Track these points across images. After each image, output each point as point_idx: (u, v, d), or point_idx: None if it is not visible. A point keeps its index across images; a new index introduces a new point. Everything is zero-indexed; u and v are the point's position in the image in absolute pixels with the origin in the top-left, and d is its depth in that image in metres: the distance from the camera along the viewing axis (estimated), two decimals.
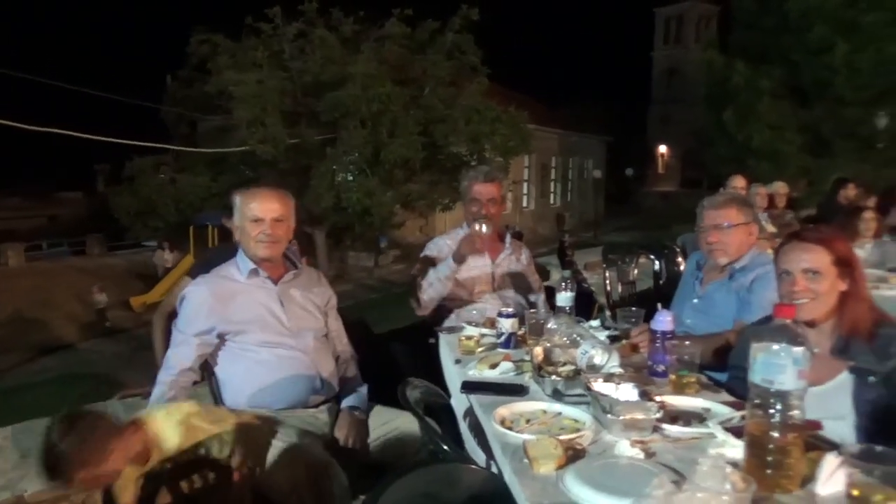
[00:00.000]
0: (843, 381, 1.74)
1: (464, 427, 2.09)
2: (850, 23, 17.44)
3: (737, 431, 1.45)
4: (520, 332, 2.41)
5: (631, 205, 41.48)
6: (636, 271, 4.51)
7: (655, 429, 1.53)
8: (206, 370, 2.32)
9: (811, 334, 1.81)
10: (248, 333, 2.23)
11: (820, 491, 1.21)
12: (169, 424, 1.37)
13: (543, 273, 3.74)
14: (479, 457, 1.88)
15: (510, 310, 2.41)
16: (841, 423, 1.69)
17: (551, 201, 34.85)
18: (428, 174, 19.27)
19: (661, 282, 4.25)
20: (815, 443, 1.44)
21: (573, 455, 1.42)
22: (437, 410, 2.20)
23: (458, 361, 2.28)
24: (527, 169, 31.39)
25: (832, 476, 1.20)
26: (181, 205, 19.14)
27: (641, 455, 1.42)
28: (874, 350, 1.73)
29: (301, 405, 2.24)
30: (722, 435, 1.48)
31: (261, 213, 2.26)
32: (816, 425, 1.58)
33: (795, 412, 1.26)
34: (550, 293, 3.13)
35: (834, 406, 1.71)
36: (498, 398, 1.82)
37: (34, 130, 10.93)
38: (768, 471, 1.26)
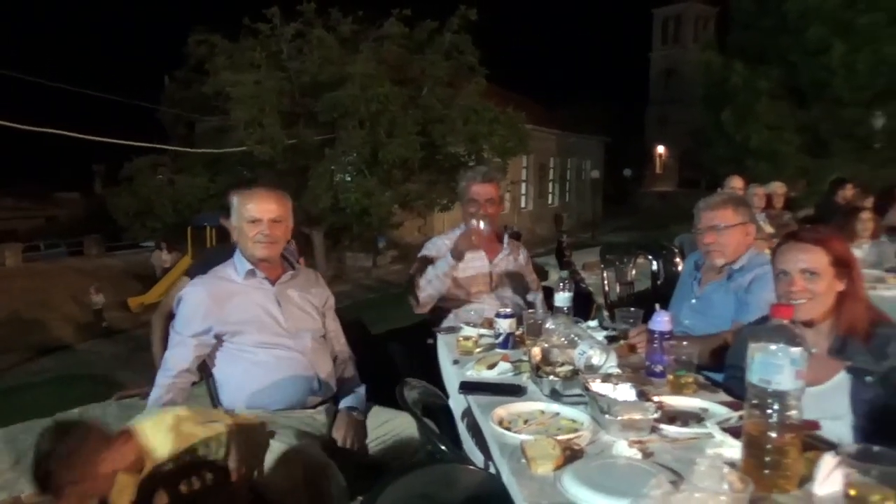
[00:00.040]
0: (841, 381, 1.74)
1: (462, 427, 2.09)
2: (847, 24, 17.47)
3: (734, 431, 1.45)
4: (518, 333, 2.41)
5: (629, 205, 41.52)
6: (634, 272, 4.52)
7: (653, 429, 1.53)
8: (203, 371, 2.32)
9: (809, 334, 1.81)
10: (245, 334, 2.23)
11: (817, 491, 1.21)
12: (159, 432, 1.37)
13: (541, 273, 3.75)
14: (478, 457, 1.88)
15: (508, 310, 2.41)
16: (838, 423, 1.69)
17: (549, 202, 34.88)
18: (426, 174, 19.28)
19: (658, 282, 4.25)
20: (813, 443, 1.44)
21: (571, 455, 1.42)
22: (435, 411, 2.20)
23: (456, 362, 2.28)
24: (525, 169, 31.41)
25: (829, 476, 1.20)
26: (179, 205, 19.13)
27: (639, 455, 1.41)
28: (871, 350, 1.73)
29: (299, 406, 2.23)
30: (720, 435, 1.48)
31: (258, 213, 2.26)
32: (814, 425, 1.58)
33: (793, 412, 1.26)
34: (548, 293, 3.13)
35: (831, 406, 1.71)
36: (496, 398, 1.82)
37: (32, 131, 10.91)
38: (766, 471, 1.26)
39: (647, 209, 38.60)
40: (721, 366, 2.12)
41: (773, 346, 1.28)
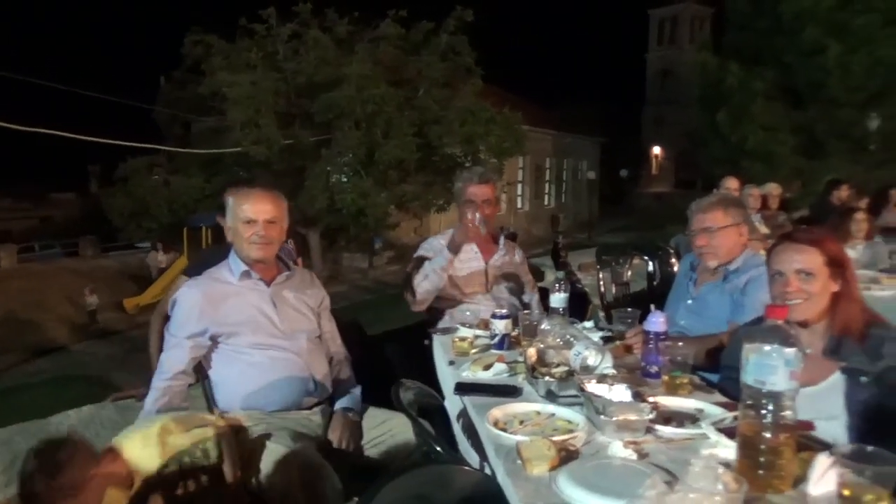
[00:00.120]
0: (836, 381, 1.74)
1: (457, 428, 2.09)
2: (842, 25, 17.52)
3: (729, 432, 1.45)
4: (513, 334, 2.41)
5: (625, 206, 41.58)
6: (630, 272, 4.51)
7: (648, 430, 1.54)
8: (199, 372, 2.32)
9: (803, 335, 1.81)
10: (240, 335, 2.23)
11: (811, 491, 1.21)
12: (146, 447, 1.36)
13: (537, 274, 3.75)
14: (473, 458, 1.88)
15: (504, 311, 2.42)
16: (833, 424, 1.69)
17: (545, 202, 34.94)
18: (422, 175, 19.29)
19: (654, 283, 4.25)
20: (807, 443, 1.44)
21: (566, 456, 1.42)
22: (431, 412, 2.20)
23: (451, 363, 2.28)
24: (521, 170, 31.45)
25: (824, 476, 1.20)
26: (175, 206, 19.11)
27: (634, 456, 1.42)
28: (866, 350, 1.73)
29: (294, 407, 2.23)
30: (714, 436, 1.49)
31: (253, 214, 2.25)
32: (808, 426, 1.59)
33: (787, 413, 1.26)
34: (544, 294, 3.14)
35: (826, 406, 1.71)
36: (491, 399, 1.82)
37: (27, 131, 10.88)
38: (760, 471, 1.26)
39: (644, 210, 38.64)
40: (716, 366, 2.12)
41: (767, 347, 1.28)
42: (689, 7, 46.53)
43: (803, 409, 1.35)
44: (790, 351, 1.27)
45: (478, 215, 2.87)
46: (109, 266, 22.81)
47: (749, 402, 1.29)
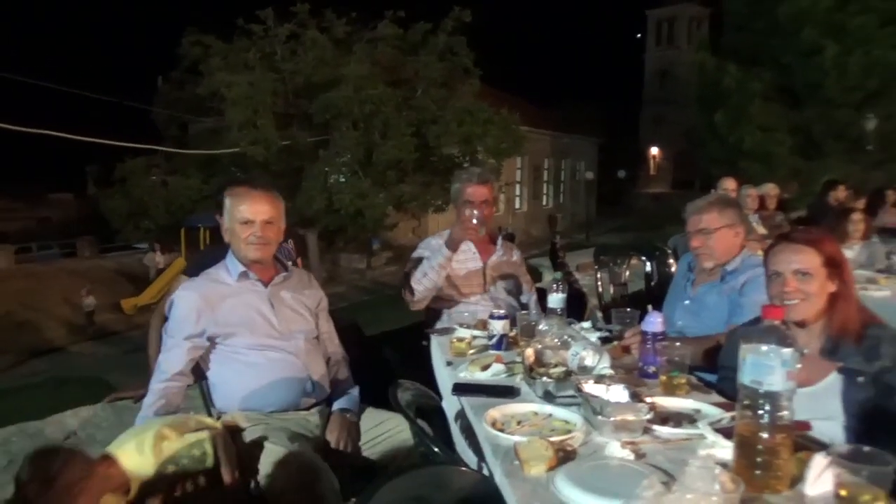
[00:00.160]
0: (833, 381, 1.75)
1: (455, 429, 2.09)
2: (839, 26, 17.57)
3: (726, 432, 1.45)
4: (511, 334, 2.41)
5: (623, 206, 41.60)
6: (628, 273, 4.52)
7: (646, 430, 1.54)
8: (197, 373, 2.31)
9: (801, 335, 1.82)
10: (237, 336, 2.22)
11: (808, 491, 1.22)
12: (141, 453, 1.36)
13: (535, 274, 3.75)
14: (471, 459, 1.88)
15: (501, 311, 2.42)
16: (830, 424, 1.70)
17: (543, 203, 34.95)
18: (420, 175, 19.28)
19: (652, 283, 4.26)
20: (804, 443, 1.45)
21: (564, 457, 1.42)
22: (429, 412, 2.20)
23: (449, 363, 2.28)
24: (519, 170, 31.45)
25: (820, 476, 1.21)
26: (172, 207, 19.08)
27: (632, 456, 1.42)
28: (863, 351, 1.74)
29: (292, 408, 2.23)
30: (712, 436, 1.49)
31: (251, 215, 2.25)
32: (805, 426, 1.59)
33: (784, 413, 1.26)
34: (542, 295, 3.14)
35: (824, 407, 1.71)
36: (489, 400, 1.82)
37: (24, 131, 10.86)
38: (757, 471, 1.26)
39: (641, 210, 38.69)
40: (714, 367, 2.13)
41: (764, 348, 1.28)
42: (686, 7, 46.57)
43: (800, 409, 1.35)
44: (787, 351, 1.27)
45: (475, 212, 2.88)
46: (107, 267, 22.79)
47: (746, 402, 1.30)
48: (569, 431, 1.56)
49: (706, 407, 1.70)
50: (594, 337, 2.31)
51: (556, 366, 1.94)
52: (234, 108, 16.87)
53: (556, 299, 2.47)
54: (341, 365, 2.48)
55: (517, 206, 32.16)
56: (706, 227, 2.53)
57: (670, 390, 1.85)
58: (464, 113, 18.60)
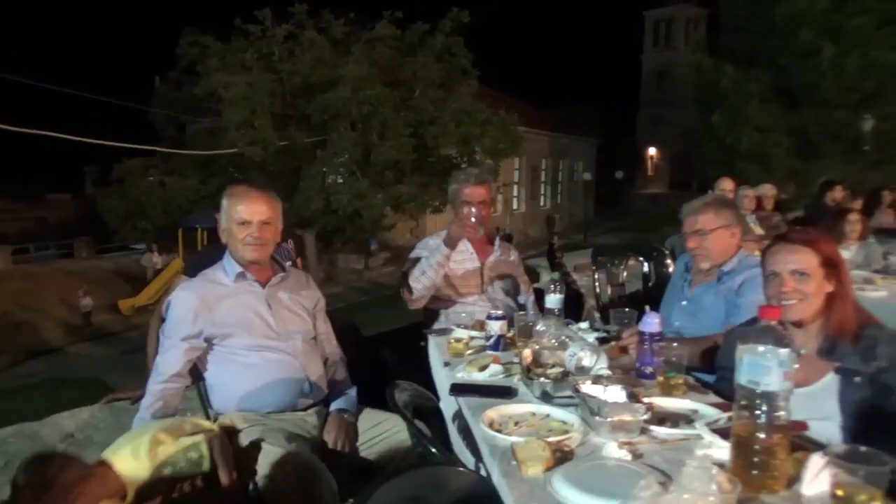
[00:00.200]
0: (830, 381, 1.75)
1: (452, 430, 2.09)
2: (836, 27, 17.60)
3: (723, 433, 1.45)
4: (509, 335, 2.41)
5: (620, 207, 41.67)
6: (625, 273, 4.52)
7: (643, 430, 1.54)
8: (194, 374, 2.31)
9: (798, 335, 1.82)
10: (235, 337, 2.22)
11: (805, 491, 1.22)
12: (136, 458, 1.36)
13: (533, 275, 3.76)
14: (468, 459, 1.88)
15: (499, 312, 2.42)
16: (828, 424, 1.70)
17: (541, 203, 34.97)
18: (418, 176, 19.29)
19: (650, 284, 4.26)
20: (801, 443, 1.45)
21: (561, 457, 1.42)
22: (426, 413, 2.20)
23: (447, 364, 2.28)
24: (517, 171, 31.47)
25: (817, 476, 1.21)
26: (170, 207, 19.06)
27: (629, 457, 1.42)
28: (859, 351, 1.74)
29: (290, 408, 2.23)
30: (709, 436, 1.49)
31: (248, 215, 2.24)
32: (802, 426, 1.59)
33: (781, 413, 1.27)
34: (540, 295, 3.14)
35: (821, 407, 1.72)
36: (486, 400, 1.82)
37: (22, 132, 10.84)
38: (754, 472, 1.26)
39: (639, 211, 38.75)
40: (712, 367, 2.13)
41: (761, 348, 1.28)
42: (684, 8, 46.66)
43: (798, 409, 1.35)
44: (784, 352, 1.27)
45: (473, 209, 2.88)
46: (104, 267, 22.74)
47: (743, 402, 1.30)
48: (566, 432, 1.56)
49: (703, 407, 1.70)
50: (592, 337, 2.31)
51: (553, 366, 1.94)
52: (232, 108, 16.86)
53: (553, 300, 2.47)
54: (339, 365, 2.48)
55: (515, 206, 32.18)
56: (702, 228, 2.53)
57: (667, 391, 1.85)
58: (462, 113, 18.61)
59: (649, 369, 1.97)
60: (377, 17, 18.94)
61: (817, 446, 1.40)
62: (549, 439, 1.48)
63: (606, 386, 1.70)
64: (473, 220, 2.86)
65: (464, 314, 2.84)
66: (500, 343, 2.34)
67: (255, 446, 1.87)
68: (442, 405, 2.23)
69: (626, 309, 2.37)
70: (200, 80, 17.99)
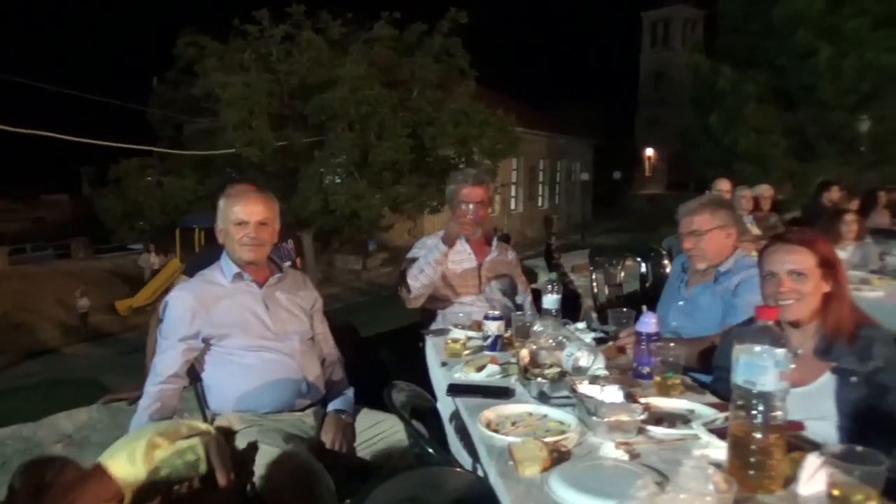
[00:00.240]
0: (826, 381, 1.76)
1: (450, 430, 2.09)
2: (833, 28, 17.66)
3: (720, 433, 1.45)
4: (506, 335, 2.41)
5: (618, 207, 41.68)
6: (623, 274, 4.53)
7: (640, 430, 1.54)
8: (191, 375, 2.31)
9: (795, 335, 1.82)
10: (232, 337, 2.22)
11: (801, 491, 1.22)
12: (132, 463, 1.35)
13: (530, 275, 3.76)
14: (465, 460, 1.88)
15: (496, 312, 2.42)
16: (824, 424, 1.70)
17: (539, 204, 34.98)
18: (416, 177, 19.28)
19: (647, 284, 4.27)
20: (798, 443, 1.45)
21: (558, 457, 1.42)
22: (424, 413, 2.20)
23: (444, 364, 2.28)
24: (515, 172, 31.49)
25: (813, 476, 1.21)
26: (167, 207, 19.04)
27: (626, 457, 1.42)
28: (856, 351, 1.75)
29: (287, 409, 2.23)
30: (706, 436, 1.49)
31: (245, 216, 2.24)
32: (798, 426, 1.60)
33: (777, 413, 1.27)
34: (537, 295, 3.14)
35: (817, 406, 1.72)
36: (484, 401, 1.82)
37: (19, 132, 10.83)
38: (751, 471, 1.27)
39: (637, 211, 38.76)
40: (709, 368, 2.13)
41: (757, 348, 1.29)
42: (681, 9, 46.70)
43: (794, 408, 1.35)
44: (780, 352, 1.27)
45: (471, 206, 2.90)
46: (101, 268, 22.72)
47: (740, 402, 1.30)
48: (563, 432, 1.56)
49: (700, 407, 1.71)
50: (589, 338, 2.31)
51: (550, 367, 1.94)
52: (229, 108, 16.84)
53: (551, 300, 2.47)
54: (336, 366, 2.48)
55: (513, 207, 32.19)
56: (698, 229, 2.54)
57: (665, 391, 1.85)
58: (459, 114, 18.61)
59: (646, 369, 1.97)
60: (375, 18, 18.94)
61: (814, 446, 1.41)
62: (546, 439, 1.48)
63: (603, 386, 1.70)
64: (470, 216, 2.87)
65: (461, 314, 2.84)
66: (498, 343, 2.35)
67: (253, 447, 1.87)
68: (439, 405, 2.23)
69: (625, 309, 2.37)
70: (198, 80, 17.97)
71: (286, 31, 18.17)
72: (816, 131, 18.84)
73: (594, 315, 4.31)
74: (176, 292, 2.29)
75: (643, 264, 4.33)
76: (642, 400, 1.69)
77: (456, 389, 1.95)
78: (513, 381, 2.01)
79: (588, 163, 38.54)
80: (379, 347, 3.21)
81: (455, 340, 2.39)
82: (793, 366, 1.31)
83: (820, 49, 17.66)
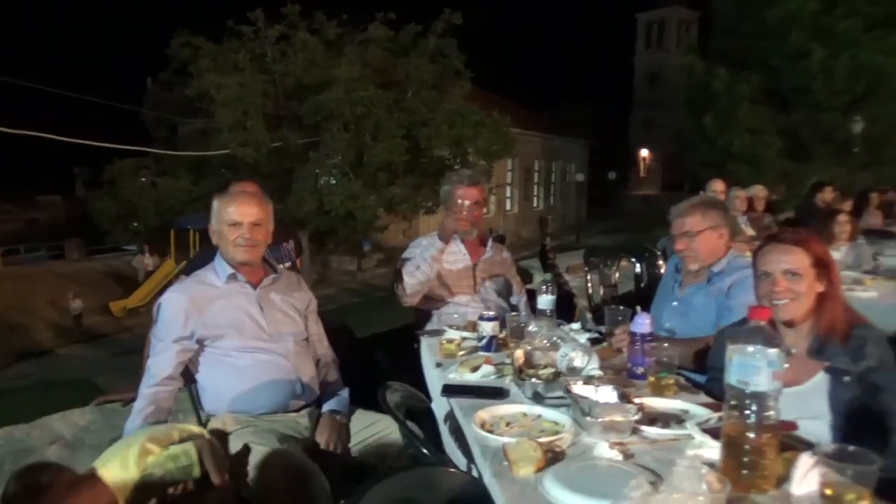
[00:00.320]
0: (820, 381, 1.76)
1: (444, 431, 2.09)
2: (826, 29, 17.74)
3: (714, 432, 1.46)
4: (501, 336, 2.41)
5: (613, 208, 41.75)
6: (617, 274, 4.54)
7: (634, 430, 1.54)
8: (185, 376, 2.30)
9: (789, 335, 1.83)
10: (226, 338, 2.21)
11: (794, 491, 1.22)
12: (126, 469, 1.35)
13: (525, 276, 3.77)
14: (460, 460, 1.88)
15: (491, 313, 2.42)
16: (817, 423, 1.71)
17: (534, 205, 35.04)
18: (411, 177, 19.28)
19: (642, 285, 4.27)
20: (791, 443, 1.46)
21: (552, 457, 1.42)
22: (418, 414, 2.20)
23: (439, 365, 2.28)
24: (510, 172, 31.51)
25: (806, 476, 1.21)
26: (162, 208, 19.00)
27: (620, 457, 1.42)
28: (849, 351, 1.75)
29: (282, 410, 2.22)
30: (699, 436, 1.50)
31: (239, 216, 2.24)
32: (791, 426, 1.60)
33: (770, 413, 1.27)
34: (532, 296, 3.14)
35: (811, 406, 1.73)
36: (478, 401, 1.82)
37: (12, 133, 10.79)
38: (744, 471, 1.27)
39: (631, 212, 38.82)
40: (703, 368, 2.14)
41: (750, 348, 1.29)
42: (676, 11, 46.79)
43: (788, 408, 1.36)
44: (773, 352, 1.28)
45: (467, 202, 2.92)
46: (95, 269, 22.62)
47: (733, 402, 1.30)
48: (557, 432, 1.56)
49: (694, 407, 1.71)
50: (583, 338, 2.32)
51: (545, 367, 1.95)
52: (224, 109, 16.81)
53: (545, 301, 2.47)
54: (331, 367, 2.48)
55: (508, 207, 32.22)
56: (690, 230, 2.54)
57: (658, 391, 1.86)
58: (454, 115, 18.63)
59: (640, 370, 1.98)
60: (370, 19, 18.95)
61: (807, 446, 1.41)
62: (541, 440, 1.48)
63: (598, 386, 1.71)
64: (465, 213, 2.88)
65: (456, 315, 2.84)
66: (492, 344, 2.35)
67: (247, 448, 1.87)
68: (434, 406, 2.23)
69: (621, 307, 2.37)
70: (192, 80, 17.93)
71: (281, 32, 18.16)
72: (810, 132, 18.92)
73: (589, 315, 4.31)
74: (169, 294, 2.28)
75: (638, 265, 4.34)
76: (636, 400, 1.70)
77: (450, 390, 1.96)
78: (507, 382, 2.01)
79: (583, 164, 38.60)
80: (374, 348, 3.20)
81: (450, 341, 2.39)
82: (786, 365, 1.31)
83: (813, 50, 17.74)
